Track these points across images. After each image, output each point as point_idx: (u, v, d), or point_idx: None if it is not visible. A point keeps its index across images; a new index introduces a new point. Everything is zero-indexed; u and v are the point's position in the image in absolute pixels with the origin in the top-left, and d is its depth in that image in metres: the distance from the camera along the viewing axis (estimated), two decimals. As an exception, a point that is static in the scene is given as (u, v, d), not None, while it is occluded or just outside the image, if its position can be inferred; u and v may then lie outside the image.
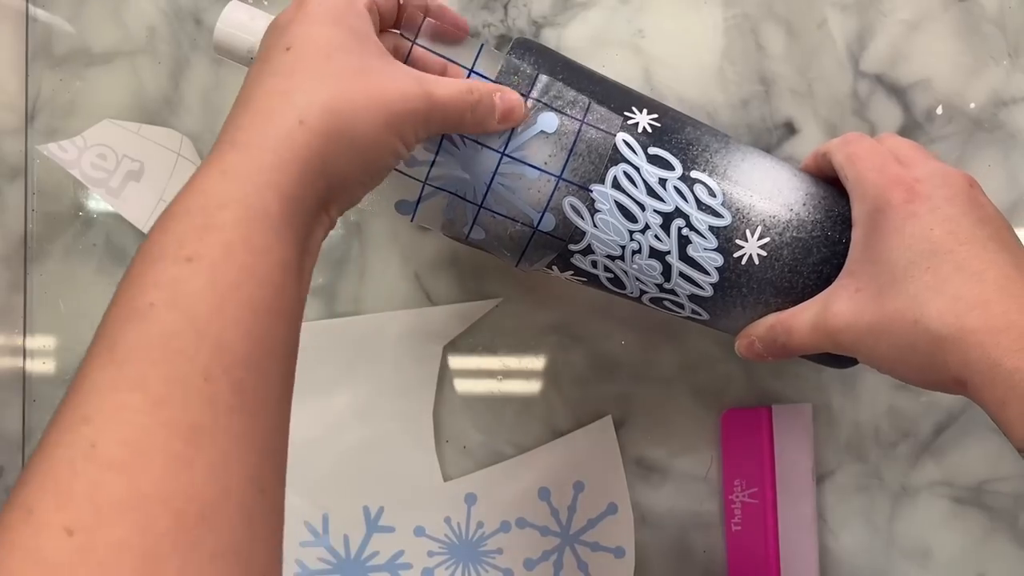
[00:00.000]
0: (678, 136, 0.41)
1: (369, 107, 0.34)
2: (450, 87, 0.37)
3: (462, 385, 0.52)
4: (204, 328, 0.28)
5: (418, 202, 0.42)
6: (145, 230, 0.51)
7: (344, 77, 0.34)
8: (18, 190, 0.52)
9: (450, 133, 0.39)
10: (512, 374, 0.52)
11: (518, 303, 0.52)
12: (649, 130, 0.41)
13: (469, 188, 0.41)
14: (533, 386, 0.52)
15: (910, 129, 0.51)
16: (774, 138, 0.51)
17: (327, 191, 0.34)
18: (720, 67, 0.51)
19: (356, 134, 0.34)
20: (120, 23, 0.52)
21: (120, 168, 0.51)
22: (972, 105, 0.51)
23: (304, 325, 0.52)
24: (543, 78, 0.41)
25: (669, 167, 0.41)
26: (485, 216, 0.41)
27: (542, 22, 0.52)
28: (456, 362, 0.52)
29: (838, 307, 0.38)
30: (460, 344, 0.52)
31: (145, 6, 0.52)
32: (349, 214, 0.52)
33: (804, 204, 0.41)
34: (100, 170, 0.51)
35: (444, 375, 0.52)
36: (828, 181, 0.42)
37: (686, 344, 0.52)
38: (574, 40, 0.52)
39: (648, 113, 0.42)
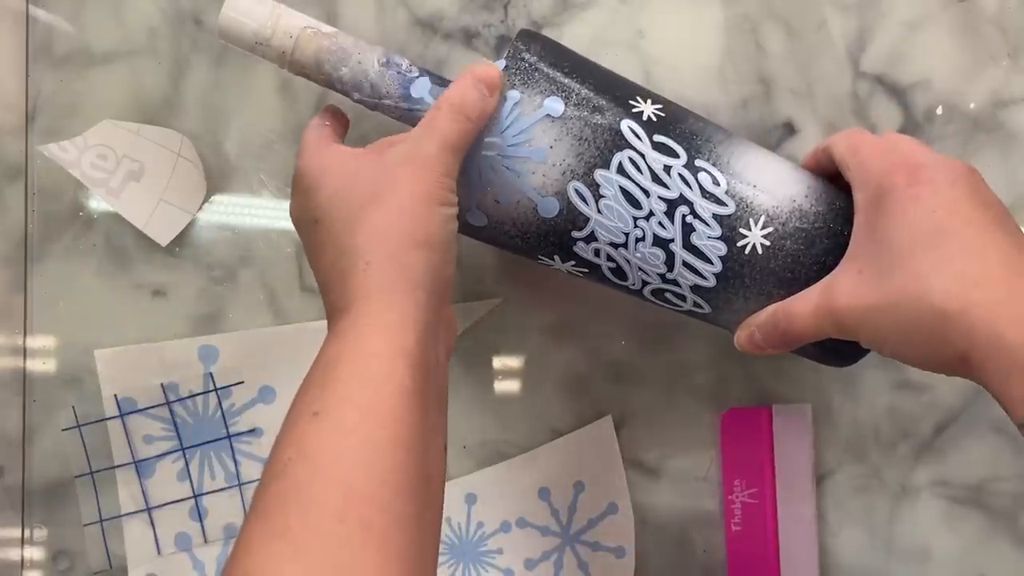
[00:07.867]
0: (682, 126, 0.42)
1: (406, 202, 0.37)
2: (443, 118, 0.39)
3: (462, 385, 0.52)
4: (331, 474, 0.32)
5: None
6: (145, 230, 0.51)
7: (367, 207, 0.37)
8: (18, 190, 0.52)
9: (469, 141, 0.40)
10: (512, 374, 0.52)
11: (518, 303, 0.52)
12: (654, 119, 0.41)
13: (474, 170, 0.41)
14: (533, 386, 0.52)
15: (910, 129, 0.51)
16: (774, 138, 0.51)
17: (432, 295, 0.37)
18: (720, 67, 0.51)
19: (415, 226, 0.37)
20: (120, 23, 0.52)
21: (120, 168, 0.51)
22: (972, 105, 0.51)
23: (305, 326, 0.52)
24: (547, 66, 0.41)
25: (674, 155, 0.41)
26: (488, 201, 0.41)
27: (542, 22, 0.52)
28: (456, 362, 0.52)
29: (841, 288, 0.38)
30: (460, 344, 0.52)
31: (145, 6, 0.52)
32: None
33: (806, 196, 0.41)
34: (100, 170, 0.51)
35: (444, 375, 0.52)
36: (828, 178, 0.43)
37: (686, 344, 0.52)
38: (574, 40, 0.51)
39: (652, 103, 0.42)
